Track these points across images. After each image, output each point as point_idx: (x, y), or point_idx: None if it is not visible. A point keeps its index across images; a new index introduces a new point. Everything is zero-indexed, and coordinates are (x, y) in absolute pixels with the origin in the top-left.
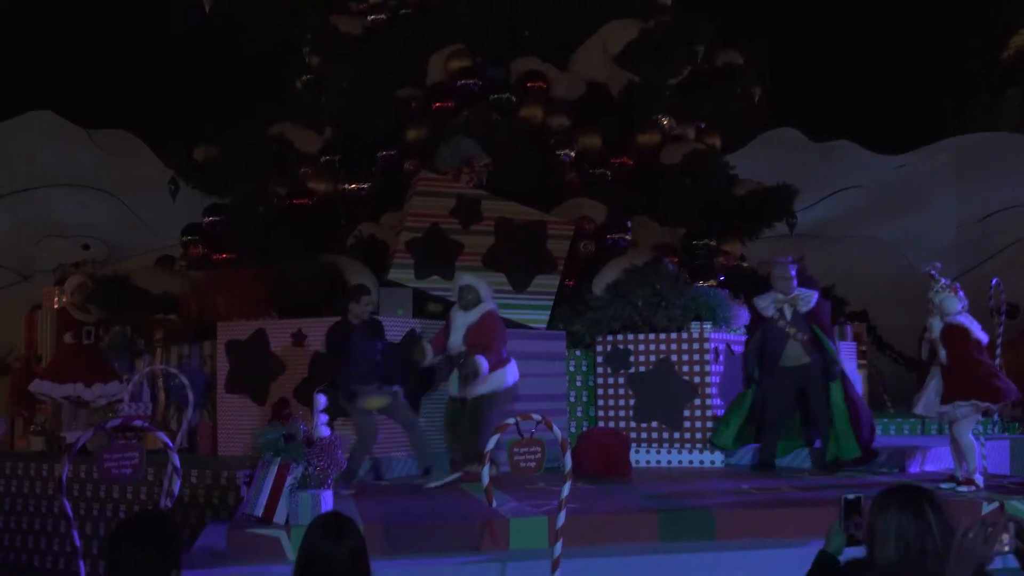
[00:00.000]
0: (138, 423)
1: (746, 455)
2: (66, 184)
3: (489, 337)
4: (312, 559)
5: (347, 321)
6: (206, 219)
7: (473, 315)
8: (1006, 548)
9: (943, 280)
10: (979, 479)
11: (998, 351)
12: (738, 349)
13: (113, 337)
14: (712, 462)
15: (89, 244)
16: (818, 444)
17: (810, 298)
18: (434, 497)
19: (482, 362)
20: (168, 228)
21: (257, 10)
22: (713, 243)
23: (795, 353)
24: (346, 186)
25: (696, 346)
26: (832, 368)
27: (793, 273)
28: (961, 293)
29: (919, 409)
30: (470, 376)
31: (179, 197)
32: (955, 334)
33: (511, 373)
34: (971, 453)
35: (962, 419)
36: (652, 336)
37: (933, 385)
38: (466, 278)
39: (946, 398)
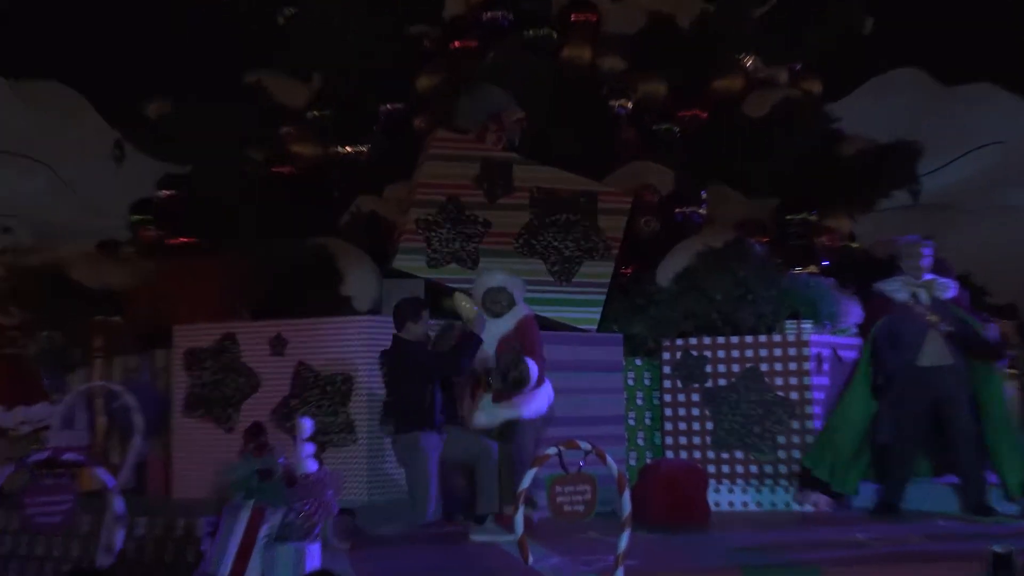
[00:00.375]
0: (70, 456)
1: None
2: None
3: (532, 345)
4: None
5: (405, 341)
6: (161, 193)
7: (507, 323)
8: None
9: None
10: None
11: None
12: (847, 355)
13: (40, 345)
14: (815, 504)
15: (9, 226)
16: (952, 479)
17: (948, 286)
18: (452, 551)
19: (532, 366)
20: (113, 205)
21: None
22: (813, 218)
23: (937, 349)
24: (340, 149)
25: (793, 352)
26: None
27: (928, 253)
28: None
29: None
30: (517, 382)
31: (127, 166)
32: None
33: (546, 393)
34: None
35: None
36: (735, 340)
37: None
38: (497, 277)
39: None
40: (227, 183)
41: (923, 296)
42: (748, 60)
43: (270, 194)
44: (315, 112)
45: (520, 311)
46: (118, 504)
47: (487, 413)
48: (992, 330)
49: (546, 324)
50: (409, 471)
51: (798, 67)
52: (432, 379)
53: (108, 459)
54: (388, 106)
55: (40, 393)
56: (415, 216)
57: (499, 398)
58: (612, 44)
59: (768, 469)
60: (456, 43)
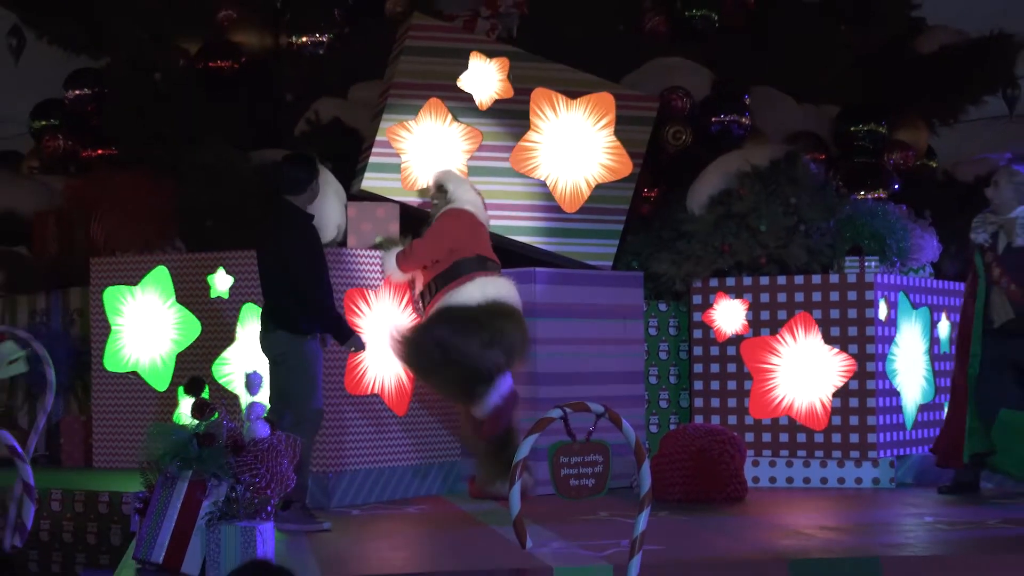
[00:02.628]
0: None
1: (914, 470)
2: None
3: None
4: None
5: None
6: (70, 93)
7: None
8: None
9: None
10: None
11: None
12: (919, 300)
13: None
14: (875, 480)
15: None
16: None
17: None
18: (431, 535)
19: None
20: (10, 109)
21: None
22: (883, 129)
23: (999, 307)
24: (293, 39)
25: (853, 296)
26: None
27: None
28: None
29: None
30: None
31: (26, 58)
32: None
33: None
34: None
35: None
36: (783, 280)
37: None
38: (436, 175)
39: None
40: (152, 80)
41: (1001, 239)
42: None
43: (206, 94)
44: None
45: (450, 207)
46: (27, 475)
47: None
48: None
49: (549, 261)
50: None
51: None
52: None
53: (14, 422)
54: None
55: None
56: (388, 123)
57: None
58: None
59: (818, 439)
60: None
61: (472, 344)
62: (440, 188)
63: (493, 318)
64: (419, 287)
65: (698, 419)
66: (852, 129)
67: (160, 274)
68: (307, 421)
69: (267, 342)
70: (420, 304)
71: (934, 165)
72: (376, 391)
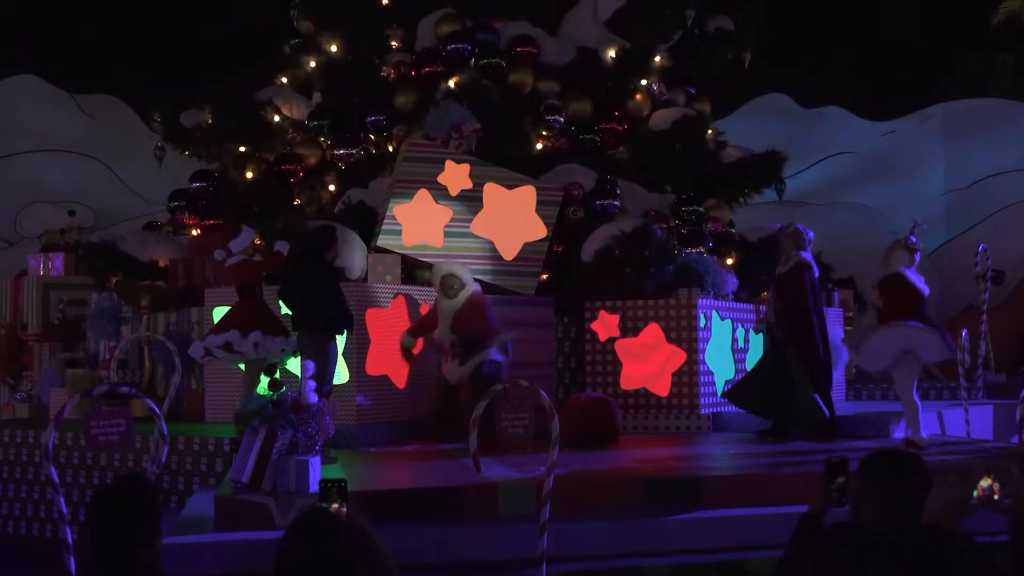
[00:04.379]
0: (125, 389)
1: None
2: (52, 149)
3: (483, 317)
4: (284, 566)
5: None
6: (193, 185)
7: (459, 301)
8: (985, 496)
9: (911, 237)
10: (924, 438)
11: (983, 316)
12: (726, 315)
13: (100, 303)
14: (699, 428)
15: (75, 210)
16: None
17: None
18: (421, 464)
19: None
20: (155, 194)
21: None
22: (702, 209)
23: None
24: (336, 151)
25: (685, 312)
26: None
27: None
28: (917, 256)
29: (862, 362)
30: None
31: (167, 163)
32: (893, 282)
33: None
34: (912, 413)
35: (902, 376)
36: (640, 303)
37: (873, 337)
38: (444, 267)
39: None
40: (246, 178)
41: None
42: (654, 85)
43: (280, 187)
44: (316, 122)
45: (468, 290)
46: (162, 426)
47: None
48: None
49: (495, 289)
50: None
51: (693, 91)
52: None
53: (154, 391)
54: (373, 118)
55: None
56: (395, 205)
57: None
58: (549, 71)
59: (664, 402)
60: (427, 69)
61: None
62: (454, 275)
63: None
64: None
65: (588, 391)
66: (683, 209)
67: None
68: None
69: (306, 340)
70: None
71: (733, 231)
72: (384, 372)
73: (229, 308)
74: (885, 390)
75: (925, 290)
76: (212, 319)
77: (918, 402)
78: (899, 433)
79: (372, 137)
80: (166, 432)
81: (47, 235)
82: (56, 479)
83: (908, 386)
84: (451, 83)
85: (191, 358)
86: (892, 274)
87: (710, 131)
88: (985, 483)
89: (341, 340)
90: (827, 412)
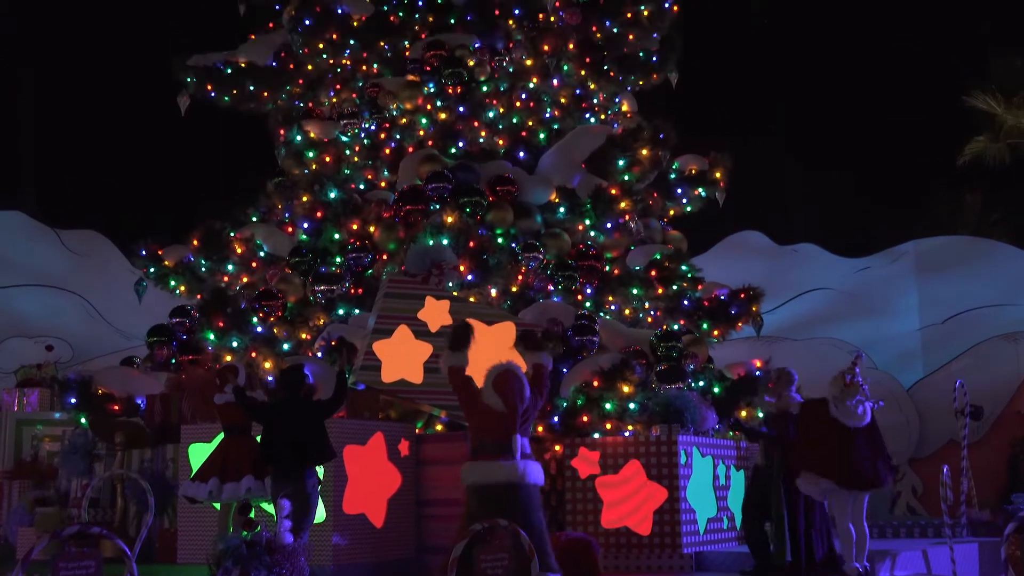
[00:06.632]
0: (96, 530)
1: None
2: (34, 284)
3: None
4: None
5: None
6: (173, 320)
7: None
8: None
9: (856, 371)
10: (856, 567)
11: (964, 452)
12: (707, 451)
13: (74, 440)
14: (680, 567)
15: (52, 345)
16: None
17: None
18: None
19: None
20: (134, 329)
21: (231, 111)
22: (680, 345)
23: None
24: (317, 288)
25: (665, 448)
26: None
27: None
28: (860, 400)
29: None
30: None
31: (146, 298)
32: (810, 408)
33: None
34: (845, 541)
35: (834, 505)
36: (620, 439)
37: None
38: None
39: (794, 470)
40: (224, 314)
41: None
42: (632, 223)
43: (261, 322)
44: (296, 259)
45: None
46: (133, 568)
47: None
48: None
49: None
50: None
51: (669, 229)
52: None
53: (126, 531)
54: (354, 255)
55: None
56: (373, 341)
57: None
58: (528, 210)
59: (645, 540)
60: (407, 207)
61: None
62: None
63: None
64: None
65: (568, 530)
66: (663, 345)
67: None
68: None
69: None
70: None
71: (712, 366)
72: (361, 510)
73: (217, 447)
74: (883, 527)
75: (859, 423)
76: (188, 457)
77: (852, 532)
78: (884, 573)
79: (353, 274)
80: (136, 573)
81: (23, 370)
82: None
83: (841, 514)
84: (431, 221)
85: (165, 496)
86: (815, 400)
87: (687, 267)
88: None
89: (320, 472)
90: (789, 554)
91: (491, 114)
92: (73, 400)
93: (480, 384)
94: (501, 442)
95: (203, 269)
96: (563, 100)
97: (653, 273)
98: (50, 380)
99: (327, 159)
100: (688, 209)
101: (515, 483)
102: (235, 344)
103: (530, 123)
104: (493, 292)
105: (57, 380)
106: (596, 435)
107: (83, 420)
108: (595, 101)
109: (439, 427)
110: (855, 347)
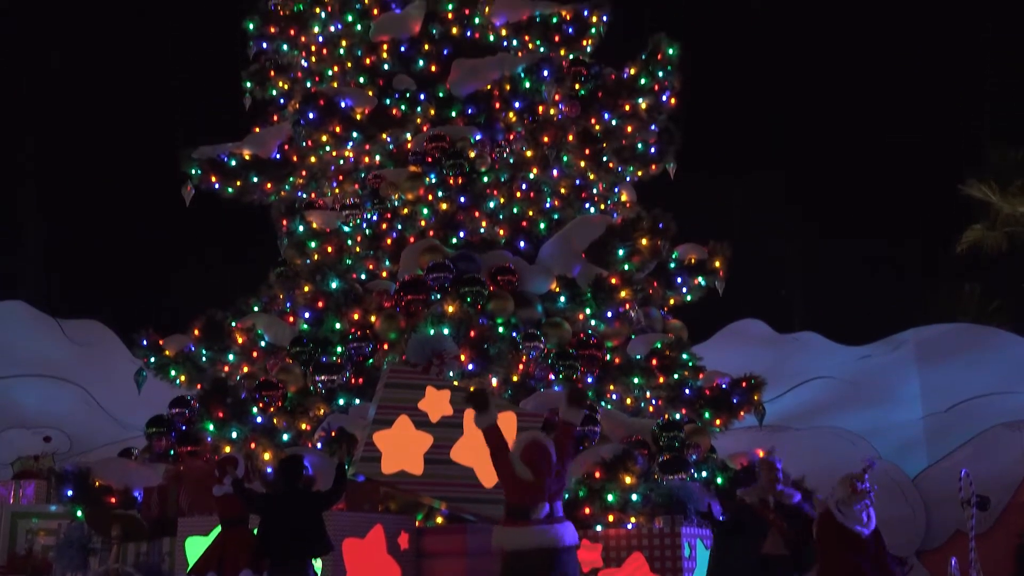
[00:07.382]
0: None
1: None
2: (34, 375)
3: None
4: None
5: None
6: (172, 411)
7: None
8: None
9: (865, 478)
10: None
11: (971, 544)
12: (709, 543)
13: (69, 533)
14: None
15: (50, 436)
16: None
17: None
18: None
19: None
20: (133, 419)
21: (234, 202)
22: (682, 435)
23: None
24: (318, 378)
25: (668, 541)
26: None
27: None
28: (867, 506)
29: None
30: None
31: (146, 388)
32: (823, 523)
33: None
34: None
35: None
36: (623, 531)
37: None
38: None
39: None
40: (224, 404)
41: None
42: (632, 312)
43: (260, 412)
44: (297, 349)
45: None
46: None
47: None
48: None
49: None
50: None
51: (670, 318)
52: None
53: None
54: (355, 344)
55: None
56: (373, 431)
57: None
58: (529, 299)
59: None
60: (408, 296)
61: None
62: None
63: None
64: None
65: None
66: (664, 435)
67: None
68: None
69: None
70: None
71: (715, 456)
72: None
73: (214, 540)
74: None
75: (865, 529)
76: (184, 550)
77: None
78: None
79: (354, 364)
80: None
81: (20, 461)
82: None
83: None
84: (432, 311)
85: None
86: (826, 513)
87: (688, 356)
88: None
89: (317, 564)
90: None
91: (492, 204)
92: (70, 492)
93: (511, 448)
94: (529, 507)
95: (204, 359)
96: (563, 190)
97: (654, 362)
98: (47, 472)
99: (329, 249)
100: (688, 298)
101: (546, 548)
102: (234, 435)
103: (530, 213)
104: (494, 381)
105: (54, 472)
106: (598, 527)
107: (79, 513)
108: (595, 191)
109: (439, 519)
110: (858, 435)
